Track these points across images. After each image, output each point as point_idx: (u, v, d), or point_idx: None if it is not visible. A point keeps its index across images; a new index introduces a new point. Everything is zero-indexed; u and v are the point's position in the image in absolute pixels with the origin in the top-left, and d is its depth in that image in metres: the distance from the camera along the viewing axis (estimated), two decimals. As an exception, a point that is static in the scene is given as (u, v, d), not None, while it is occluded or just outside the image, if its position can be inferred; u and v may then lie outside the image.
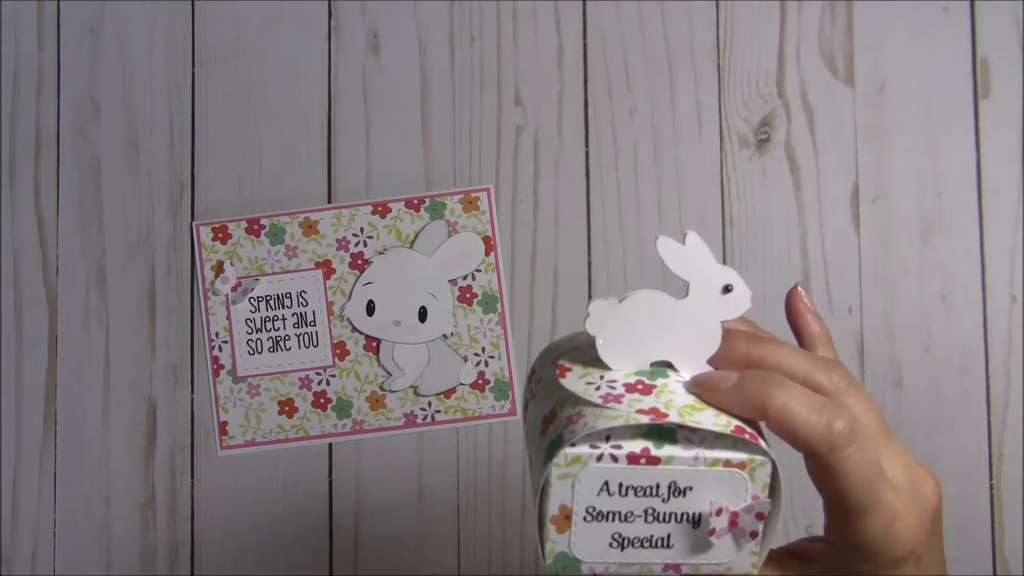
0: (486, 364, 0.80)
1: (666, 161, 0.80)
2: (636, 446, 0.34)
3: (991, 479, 0.78)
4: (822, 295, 0.79)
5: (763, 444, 0.34)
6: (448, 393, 0.80)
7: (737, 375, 0.35)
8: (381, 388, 0.80)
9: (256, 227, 0.81)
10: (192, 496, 0.80)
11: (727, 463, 0.34)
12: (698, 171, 0.80)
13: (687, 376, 0.37)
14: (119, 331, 0.81)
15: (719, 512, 0.34)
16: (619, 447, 0.34)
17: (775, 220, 0.80)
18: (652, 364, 0.38)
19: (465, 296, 0.80)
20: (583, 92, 0.81)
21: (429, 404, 0.80)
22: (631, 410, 0.34)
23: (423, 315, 0.80)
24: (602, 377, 0.37)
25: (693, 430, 0.34)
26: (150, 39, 0.83)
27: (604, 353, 0.37)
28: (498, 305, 0.80)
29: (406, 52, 0.82)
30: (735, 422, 0.34)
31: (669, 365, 0.38)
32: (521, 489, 0.79)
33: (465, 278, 0.80)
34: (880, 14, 0.80)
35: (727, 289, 0.37)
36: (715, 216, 0.80)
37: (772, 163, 0.80)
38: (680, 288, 0.38)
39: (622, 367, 0.37)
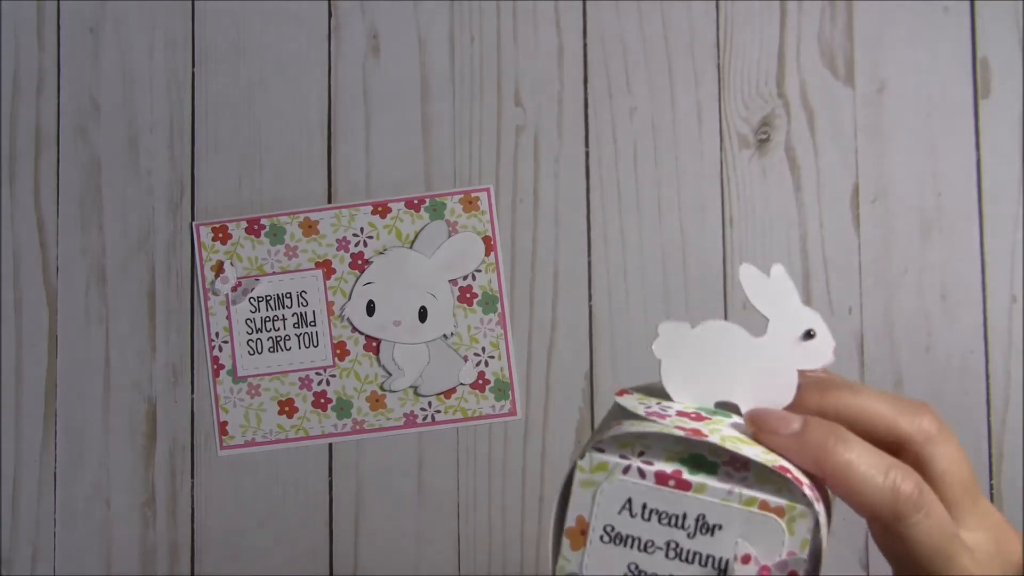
0: (486, 364, 0.80)
1: (666, 161, 0.80)
2: (669, 467, 0.31)
3: (991, 479, 0.78)
4: (822, 295, 0.79)
5: (808, 493, 0.30)
6: (448, 393, 0.80)
7: (801, 421, 0.32)
8: (381, 388, 0.80)
9: (256, 227, 0.81)
10: (192, 496, 0.80)
11: (763, 505, 0.30)
12: (698, 171, 0.80)
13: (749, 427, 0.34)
14: (119, 331, 0.81)
15: (746, 559, 0.30)
16: (650, 463, 0.31)
17: (775, 220, 0.80)
18: (717, 405, 0.35)
19: (465, 296, 0.80)
20: (583, 92, 0.81)
21: (429, 404, 0.80)
22: (671, 426, 0.31)
23: (423, 315, 0.80)
24: (658, 402, 0.34)
25: (737, 468, 0.31)
26: (150, 39, 0.83)
27: (666, 378, 0.34)
28: (498, 305, 0.80)
29: (406, 52, 0.82)
30: (782, 462, 0.31)
31: (737, 411, 0.34)
32: (521, 490, 0.79)
33: (465, 278, 0.80)
34: (880, 14, 0.80)
35: (809, 335, 0.34)
36: (715, 216, 0.80)
37: (772, 163, 0.80)
38: (756, 324, 0.35)
39: (684, 398, 0.34)
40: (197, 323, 0.81)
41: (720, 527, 0.30)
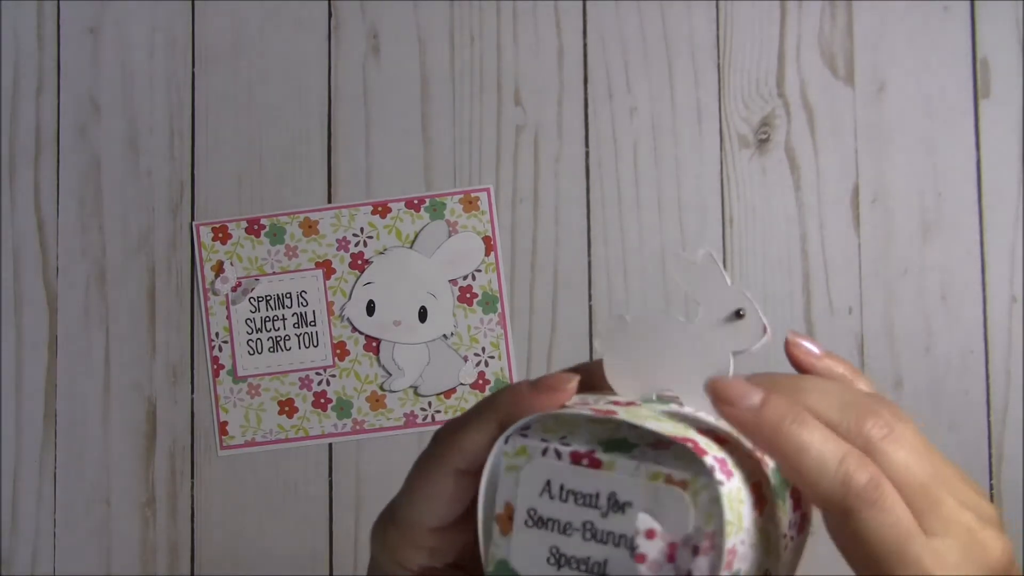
0: (486, 364, 0.80)
1: (666, 161, 0.80)
2: (584, 447, 0.30)
3: (991, 479, 0.78)
4: (822, 295, 0.79)
5: (712, 463, 0.29)
6: (448, 393, 0.80)
7: (761, 396, 0.30)
8: (381, 388, 0.80)
9: (256, 227, 0.81)
10: (192, 496, 0.80)
11: (668, 479, 0.29)
12: (698, 171, 0.80)
13: (688, 409, 0.33)
14: (119, 331, 0.81)
15: (650, 534, 0.29)
16: (568, 445, 0.31)
17: (775, 220, 0.80)
18: (660, 397, 0.34)
19: (465, 296, 0.80)
20: (583, 92, 0.81)
21: (429, 404, 0.80)
22: (587, 407, 0.31)
23: (423, 315, 0.80)
24: (597, 399, 0.33)
25: (655, 448, 0.30)
26: (150, 39, 0.83)
27: (609, 375, 0.34)
28: (498, 305, 0.80)
29: (406, 52, 0.82)
30: (690, 436, 0.30)
31: (679, 401, 0.34)
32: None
33: (465, 278, 0.80)
34: (880, 14, 0.80)
35: (738, 315, 0.33)
36: (715, 216, 0.80)
37: (772, 163, 0.80)
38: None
39: (627, 393, 0.34)
40: (197, 323, 0.81)
41: (630, 504, 0.29)
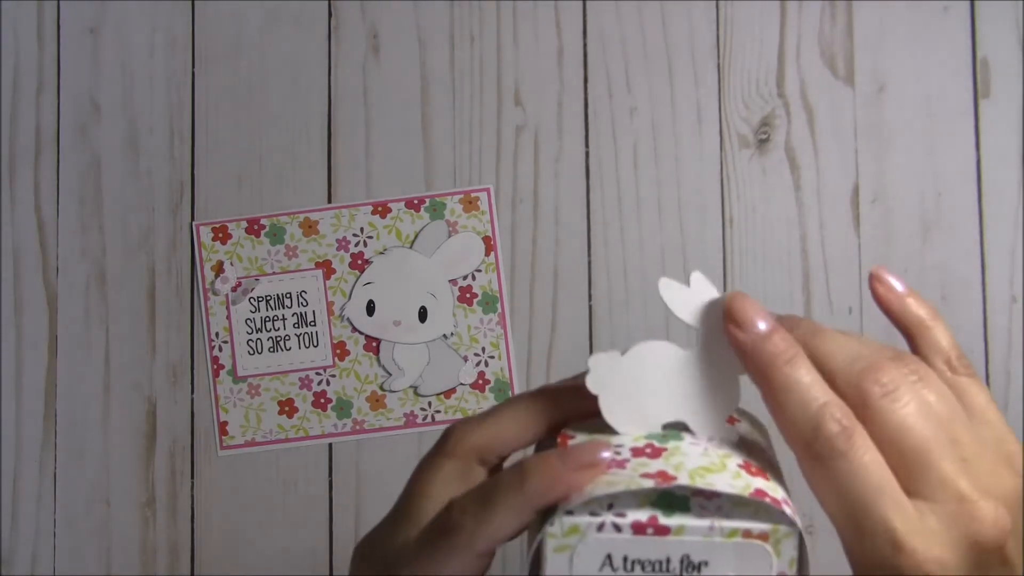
0: (486, 364, 0.80)
1: (666, 161, 0.80)
2: (643, 515, 0.30)
3: (991, 479, 0.78)
4: (822, 295, 0.79)
5: (788, 511, 0.29)
6: (448, 393, 0.80)
7: (771, 325, 0.30)
8: (381, 388, 0.80)
9: (256, 227, 0.81)
10: (192, 496, 0.80)
11: (747, 533, 0.29)
12: (698, 171, 0.80)
13: (703, 440, 0.33)
14: (119, 331, 0.81)
15: None
16: (623, 515, 0.30)
17: (775, 220, 0.80)
18: (664, 426, 0.33)
19: (465, 296, 0.80)
20: (583, 92, 0.81)
21: (429, 404, 0.80)
22: (635, 474, 0.30)
23: (423, 315, 0.80)
24: (610, 443, 0.33)
25: (708, 497, 0.30)
26: (150, 39, 0.83)
27: (607, 413, 0.33)
28: (498, 305, 0.80)
29: (406, 52, 0.82)
30: (755, 485, 0.30)
31: (685, 428, 0.34)
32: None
33: (465, 278, 0.80)
34: (880, 14, 0.80)
35: None
36: (715, 216, 0.80)
37: (772, 163, 0.80)
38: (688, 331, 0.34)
39: (629, 430, 0.33)
40: (197, 323, 0.81)
41: (706, 563, 0.30)
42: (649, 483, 0.30)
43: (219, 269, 0.81)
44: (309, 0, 0.82)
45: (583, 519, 0.30)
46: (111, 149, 0.82)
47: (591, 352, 0.80)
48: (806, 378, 0.30)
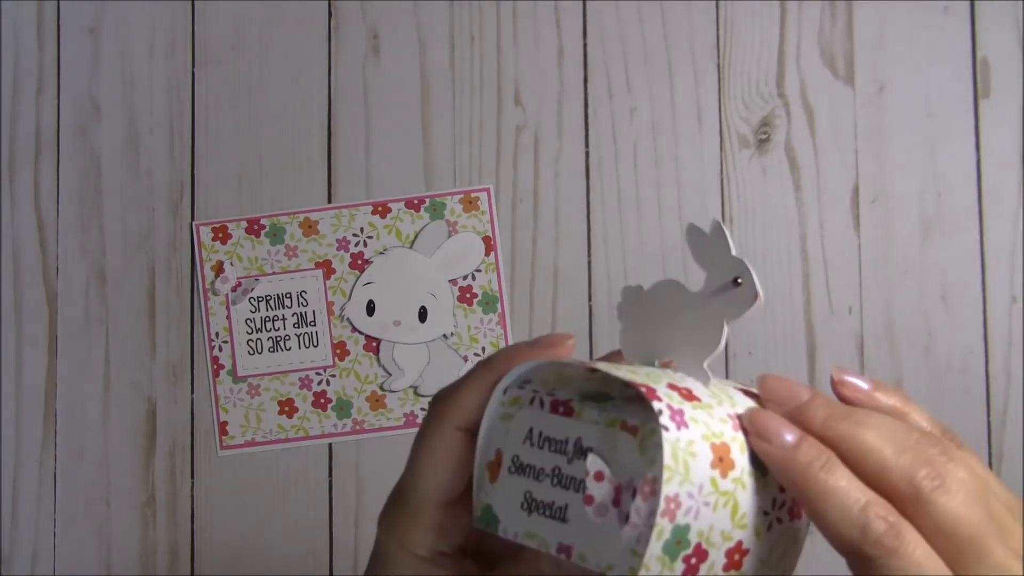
0: (486, 364, 0.80)
1: (666, 161, 0.80)
2: (566, 397, 0.32)
3: (991, 479, 0.78)
4: (822, 295, 0.79)
5: (662, 407, 0.29)
6: (448, 393, 0.80)
7: (797, 436, 0.30)
8: (381, 388, 0.80)
9: (256, 227, 0.81)
10: (192, 496, 0.80)
11: (623, 424, 0.30)
12: (698, 171, 0.80)
13: (678, 375, 0.33)
14: (119, 331, 0.81)
15: (599, 476, 0.30)
16: (552, 395, 0.32)
17: (775, 220, 0.80)
18: (662, 364, 0.34)
19: (465, 296, 0.80)
20: (583, 92, 0.81)
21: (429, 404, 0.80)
22: (575, 361, 0.32)
23: (423, 315, 0.80)
24: (596, 363, 0.34)
25: (633, 401, 0.31)
26: (150, 39, 0.83)
27: (621, 340, 0.35)
28: (498, 305, 0.80)
29: (406, 52, 0.82)
30: (652, 385, 0.30)
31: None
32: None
33: (465, 278, 0.80)
34: (880, 14, 0.80)
35: (736, 282, 0.33)
36: (715, 216, 0.80)
37: (772, 163, 0.80)
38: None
39: (634, 358, 0.35)
40: (197, 323, 0.81)
41: (591, 450, 0.30)
42: (574, 361, 0.32)
43: (219, 269, 0.81)
44: (309, 0, 0.82)
45: (524, 392, 0.33)
46: (111, 149, 0.82)
47: (591, 352, 0.80)
48: (843, 482, 0.30)
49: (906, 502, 0.30)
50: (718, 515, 0.30)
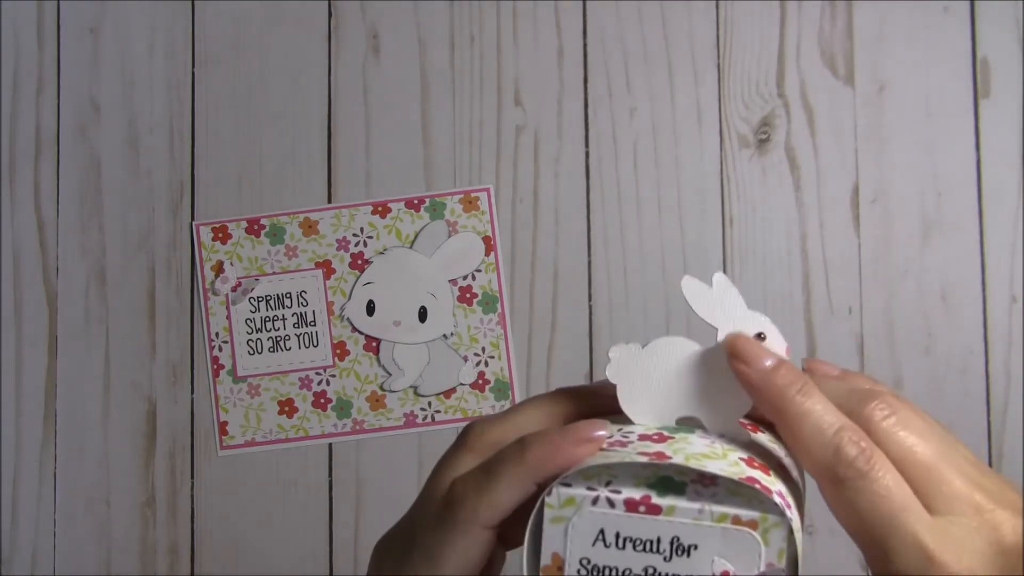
0: (486, 364, 0.80)
1: (666, 161, 0.80)
2: (637, 493, 0.30)
3: (991, 479, 0.78)
4: (822, 295, 0.79)
5: (778, 500, 0.30)
6: (448, 393, 0.80)
7: (775, 360, 0.32)
8: (381, 388, 0.80)
9: (256, 227, 0.81)
10: (192, 496, 0.80)
11: (736, 520, 0.30)
12: (698, 171, 0.80)
13: (714, 436, 0.34)
14: (119, 331, 0.81)
15: (724, 575, 0.30)
16: (618, 492, 0.30)
17: (775, 220, 0.80)
18: (679, 421, 0.34)
19: (465, 296, 0.80)
20: (583, 92, 0.81)
21: (429, 404, 0.80)
22: (633, 452, 0.31)
23: (423, 315, 0.80)
24: (619, 429, 0.33)
25: (706, 485, 0.31)
26: (150, 39, 0.83)
27: (625, 403, 0.34)
28: (498, 305, 0.80)
29: (406, 52, 0.82)
30: (749, 473, 0.30)
31: (701, 426, 0.34)
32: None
33: (465, 278, 0.80)
34: (880, 14, 0.80)
35: (760, 337, 0.33)
36: (715, 216, 0.80)
37: (772, 163, 0.80)
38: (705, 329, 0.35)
39: (645, 420, 0.34)
40: (197, 323, 0.81)
41: (695, 547, 0.30)
42: (643, 459, 0.30)
43: (219, 269, 0.81)
44: (309, 0, 0.82)
45: (579, 491, 0.31)
46: (111, 149, 0.82)
47: (590, 352, 0.80)
48: (819, 405, 0.31)
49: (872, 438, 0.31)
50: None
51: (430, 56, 0.82)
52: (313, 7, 0.82)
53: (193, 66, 0.82)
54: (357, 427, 0.80)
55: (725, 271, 0.79)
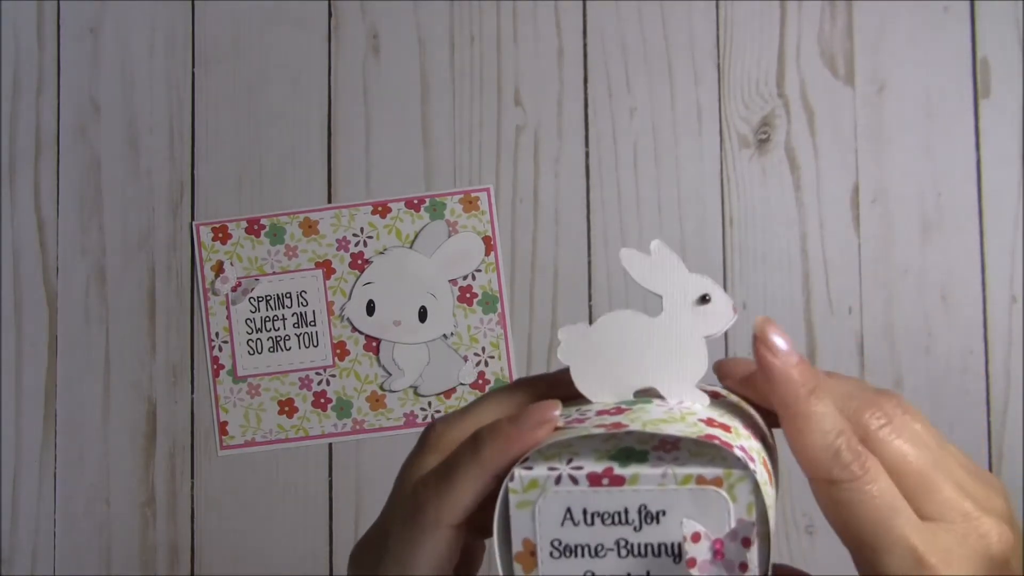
0: (486, 364, 0.80)
1: (666, 161, 0.80)
2: (599, 467, 0.30)
3: (991, 479, 0.78)
4: (822, 295, 0.79)
5: (740, 455, 0.30)
6: (448, 393, 0.80)
7: (798, 356, 0.32)
8: (381, 388, 0.80)
9: (256, 227, 0.81)
10: (192, 496, 0.80)
11: (700, 479, 0.29)
12: (698, 171, 0.80)
13: (673, 402, 0.33)
14: (119, 331, 0.81)
15: (696, 537, 0.29)
16: (580, 468, 0.30)
17: (775, 220, 0.80)
18: (637, 394, 0.34)
19: (465, 296, 0.80)
20: (583, 92, 0.81)
21: (429, 404, 0.80)
22: (590, 426, 0.31)
23: (423, 315, 0.80)
24: (577, 409, 0.33)
25: (667, 450, 0.31)
26: (150, 39, 0.83)
27: (579, 382, 0.34)
28: (498, 305, 0.80)
29: (406, 52, 0.82)
30: (708, 431, 0.30)
31: (656, 394, 0.34)
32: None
33: (465, 278, 0.80)
34: (880, 14, 0.80)
35: (704, 299, 0.33)
36: (715, 216, 0.80)
37: (772, 163, 0.80)
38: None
39: (602, 397, 0.34)
40: (197, 323, 0.81)
41: (664, 513, 0.30)
42: (600, 431, 0.30)
43: (219, 269, 0.81)
44: (309, 0, 0.82)
45: (541, 472, 0.30)
46: (111, 149, 0.82)
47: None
48: (827, 408, 0.32)
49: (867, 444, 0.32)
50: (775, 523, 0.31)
51: (430, 56, 0.82)
52: (313, 7, 0.82)
53: (193, 66, 0.82)
54: (357, 427, 0.80)
55: (725, 271, 0.79)
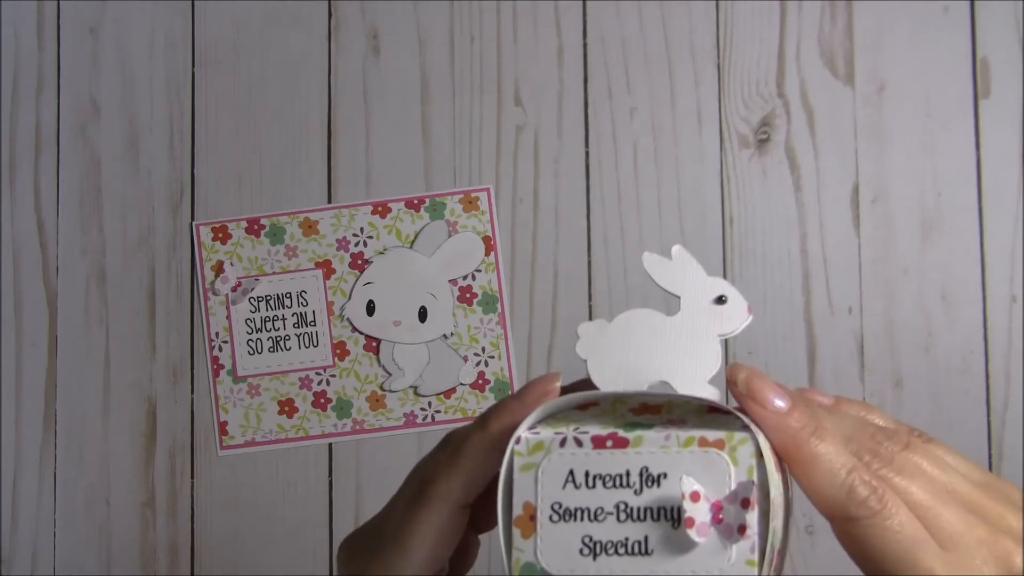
0: (486, 364, 0.80)
1: (666, 161, 0.80)
2: (604, 431, 0.31)
3: (991, 479, 0.78)
4: (822, 295, 0.79)
5: (743, 418, 0.30)
6: (448, 393, 0.80)
7: (789, 401, 0.32)
8: (381, 388, 0.80)
9: (256, 227, 0.81)
10: (192, 496, 0.80)
11: (703, 441, 0.30)
12: (698, 171, 0.80)
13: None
14: (119, 331, 0.81)
15: (695, 497, 0.29)
16: (585, 432, 0.31)
17: (775, 220, 0.80)
18: (649, 387, 0.35)
19: (465, 296, 0.80)
20: (583, 92, 0.81)
21: (429, 404, 0.80)
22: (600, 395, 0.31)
23: (423, 315, 0.80)
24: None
25: (674, 424, 0.31)
26: (150, 39, 0.83)
27: (595, 375, 0.34)
28: (498, 305, 0.80)
29: (406, 52, 0.82)
30: (712, 403, 0.31)
31: (672, 389, 0.35)
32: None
33: (465, 278, 0.80)
34: (880, 14, 0.81)
35: (720, 300, 0.35)
36: (715, 216, 0.80)
37: (772, 163, 0.80)
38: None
39: (617, 388, 0.34)
40: (197, 323, 0.81)
41: (665, 475, 0.30)
42: (602, 393, 0.31)
43: (219, 269, 0.81)
44: (309, 0, 0.82)
45: (547, 435, 0.31)
46: (111, 149, 0.82)
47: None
48: (831, 447, 0.31)
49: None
50: (784, 511, 0.31)
51: (430, 56, 0.82)
52: (313, 7, 0.82)
53: (193, 66, 0.82)
54: (357, 427, 0.80)
55: (725, 271, 0.79)
